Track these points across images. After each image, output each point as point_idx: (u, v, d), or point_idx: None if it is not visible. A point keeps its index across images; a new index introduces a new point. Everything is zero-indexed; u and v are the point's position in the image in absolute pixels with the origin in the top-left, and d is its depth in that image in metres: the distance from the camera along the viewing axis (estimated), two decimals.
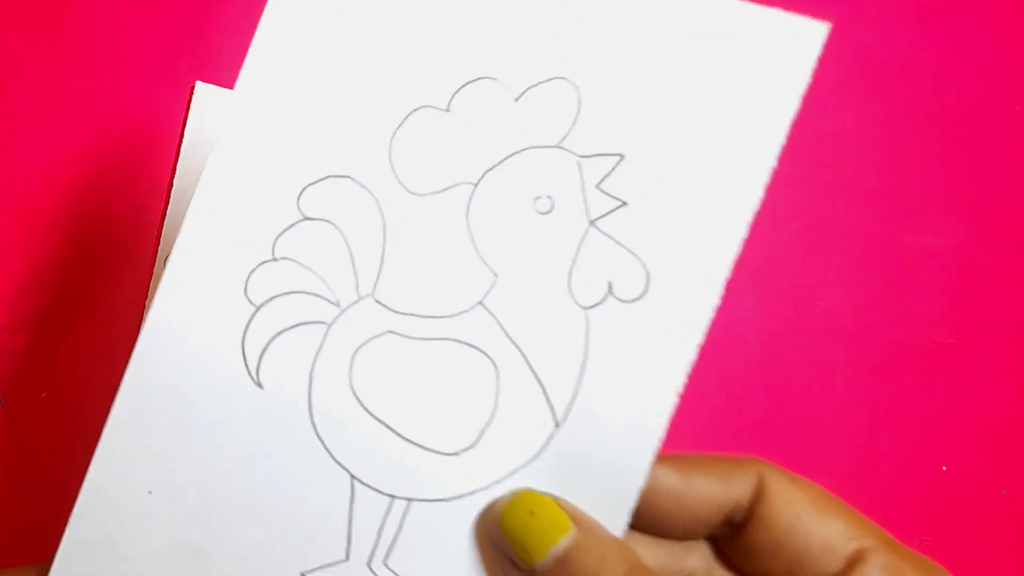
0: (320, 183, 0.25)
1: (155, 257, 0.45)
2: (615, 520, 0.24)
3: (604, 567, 0.23)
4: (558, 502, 0.24)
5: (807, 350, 0.47)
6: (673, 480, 0.25)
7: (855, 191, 0.48)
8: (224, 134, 0.25)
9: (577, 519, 0.24)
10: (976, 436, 0.48)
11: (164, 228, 0.45)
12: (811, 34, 0.24)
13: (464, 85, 0.24)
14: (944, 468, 0.48)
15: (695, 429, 0.45)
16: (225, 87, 0.46)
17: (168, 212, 0.45)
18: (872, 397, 0.48)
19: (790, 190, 0.48)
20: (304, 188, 0.25)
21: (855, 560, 0.24)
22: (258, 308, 0.25)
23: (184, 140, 0.45)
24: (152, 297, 0.41)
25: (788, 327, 0.47)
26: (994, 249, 0.49)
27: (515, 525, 0.24)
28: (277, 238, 0.25)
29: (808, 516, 0.24)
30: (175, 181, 0.45)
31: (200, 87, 0.46)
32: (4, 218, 0.46)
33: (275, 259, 0.25)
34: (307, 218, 0.25)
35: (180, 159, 0.45)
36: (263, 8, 0.44)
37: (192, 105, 0.46)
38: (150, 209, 0.45)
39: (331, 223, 0.25)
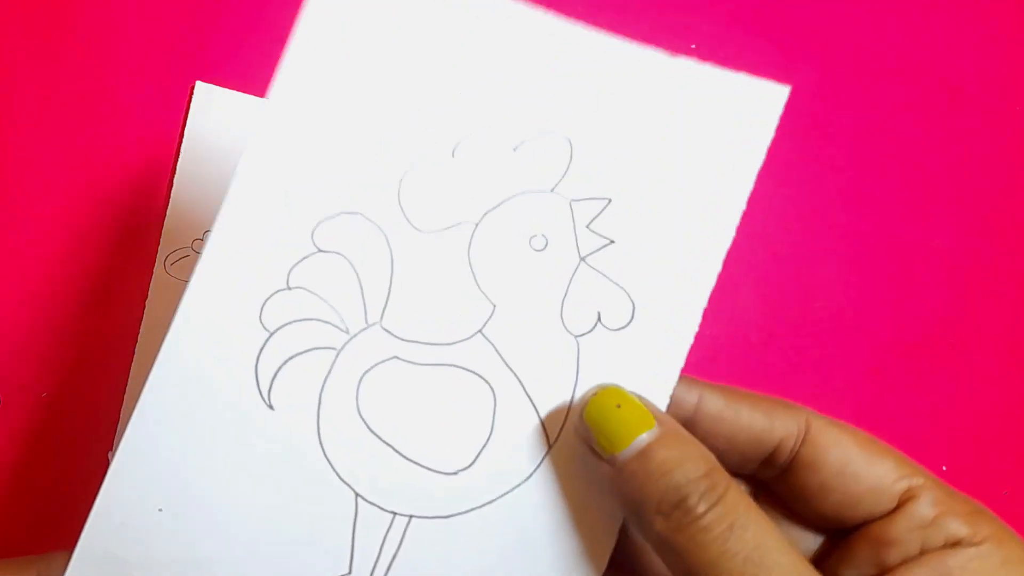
0: (333, 219, 0.27)
1: (155, 257, 0.45)
2: (604, 538, 0.26)
3: (685, 464, 0.23)
4: (643, 402, 0.25)
5: (807, 350, 0.47)
6: (719, 405, 0.27)
7: (855, 191, 0.48)
8: (241, 170, 0.27)
9: (661, 419, 0.25)
10: (976, 436, 0.48)
11: (164, 228, 0.45)
12: (774, 95, 0.27)
13: (468, 135, 0.27)
14: (944, 468, 0.47)
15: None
16: (225, 87, 0.46)
17: (168, 212, 0.45)
18: (872, 397, 0.47)
19: (790, 190, 0.48)
20: (318, 223, 0.27)
21: (906, 499, 0.25)
22: (272, 334, 0.27)
23: (184, 140, 0.45)
24: (149, 296, 0.44)
25: (788, 327, 0.47)
26: (994, 249, 0.49)
27: (601, 416, 0.25)
28: (292, 268, 0.27)
29: (858, 459, 0.25)
30: (175, 181, 0.45)
31: (200, 87, 0.46)
32: (4, 218, 0.45)
33: (289, 288, 0.27)
34: (320, 251, 0.27)
35: (180, 159, 0.45)
36: (263, 8, 0.46)
37: (192, 105, 0.46)
38: (150, 209, 0.45)
39: (343, 256, 0.27)
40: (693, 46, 0.48)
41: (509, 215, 0.27)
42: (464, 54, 0.27)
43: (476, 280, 0.27)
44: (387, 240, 0.27)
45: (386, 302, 0.27)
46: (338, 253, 0.27)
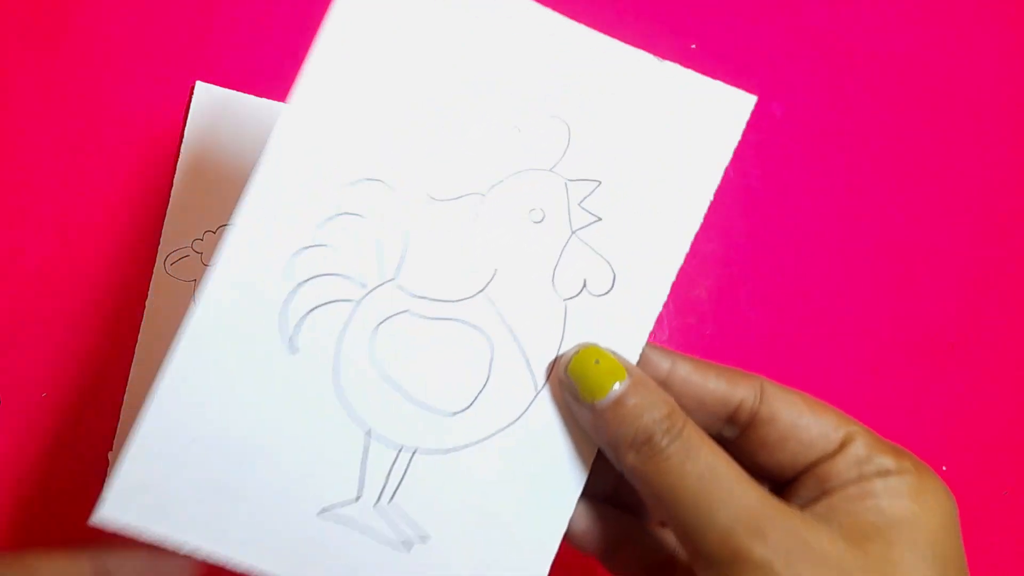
0: (357, 184, 0.30)
1: (155, 257, 0.45)
2: (581, 469, 0.31)
3: (651, 408, 0.28)
4: (617, 357, 0.30)
5: (807, 350, 0.47)
6: (688, 370, 0.31)
7: (855, 191, 0.48)
8: (275, 138, 0.29)
9: (631, 371, 0.29)
10: (976, 436, 0.48)
11: (164, 228, 0.45)
12: (743, 102, 0.31)
13: (481, 115, 0.30)
14: (944, 468, 0.47)
15: None
16: (225, 87, 0.46)
17: (168, 212, 0.45)
18: (872, 397, 0.47)
19: (790, 191, 0.48)
20: (344, 187, 0.29)
21: (846, 442, 0.30)
22: (298, 285, 0.29)
23: (184, 140, 0.45)
24: (149, 296, 0.44)
25: (788, 327, 0.47)
26: (994, 249, 0.49)
27: (582, 370, 0.29)
28: (318, 227, 0.29)
29: (806, 414, 0.31)
30: (175, 181, 0.45)
31: (200, 87, 0.46)
32: (4, 218, 0.45)
33: (314, 245, 0.29)
34: (344, 212, 0.29)
35: (180, 159, 0.45)
36: (263, 8, 0.46)
37: (192, 105, 0.46)
38: (150, 209, 0.46)
39: (364, 218, 0.30)
40: (693, 46, 0.48)
41: (512, 189, 0.31)
42: (478, 46, 0.30)
43: (481, 246, 0.30)
44: (404, 205, 0.30)
45: (400, 261, 0.30)
46: (360, 215, 0.30)
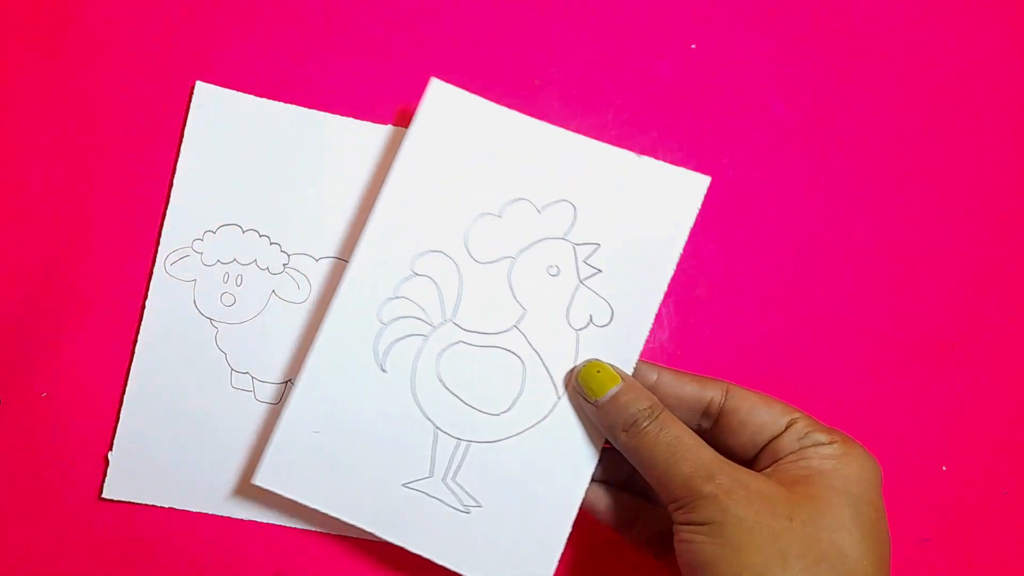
0: (424, 254, 0.43)
1: (155, 257, 0.45)
2: (593, 453, 0.42)
3: (637, 402, 0.39)
4: (614, 368, 0.41)
5: (807, 350, 0.47)
6: (671, 379, 0.42)
7: (855, 191, 0.48)
8: (372, 222, 0.42)
9: (623, 377, 0.41)
10: (976, 436, 0.48)
11: (164, 228, 0.45)
12: (700, 183, 0.43)
13: (511, 201, 0.43)
14: (944, 468, 0.47)
15: None
16: (225, 87, 0.46)
17: (168, 212, 0.45)
18: (872, 397, 0.47)
19: (790, 190, 0.48)
20: (415, 257, 0.42)
21: (790, 424, 0.39)
22: (386, 325, 0.42)
23: (184, 140, 0.45)
24: (149, 296, 0.46)
25: (788, 327, 0.47)
26: (994, 249, 0.48)
27: (588, 377, 0.41)
28: (399, 285, 0.42)
29: (760, 405, 0.40)
30: (175, 181, 0.45)
31: (200, 87, 0.46)
32: (4, 218, 0.45)
33: (397, 297, 0.42)
34: (416, 274, 0.42)
35: (180, 159, 0.45)
36: (263, 8, 0.47)
37: (192, 105, 0.46)
38: (150, 209, 0.46)
39: (429, 277, 0.42)
40: (693, 46, 0.48)
41: (535, 253, 0.43)
42: (510, 154, 0.43)
43: (514, 294, 0.43)
44: (457, 267, 0.43)
45: (456, 307, 0.42)
46: (427, 276, 0.43)
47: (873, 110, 0.49)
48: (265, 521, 0.45)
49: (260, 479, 0.42)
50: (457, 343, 0.42)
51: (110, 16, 0.47)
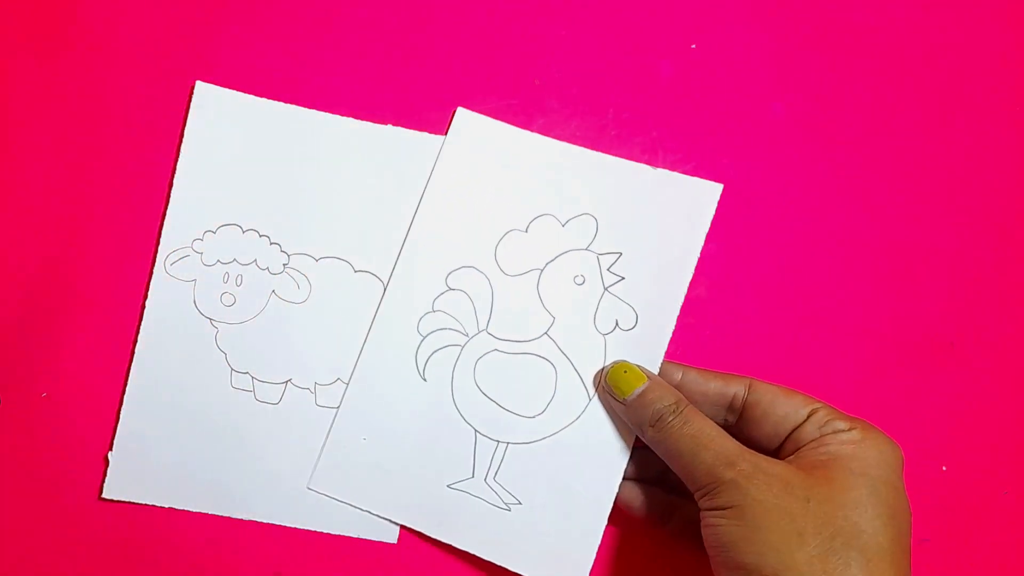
0: (458, 270, 0.46)
1: (155, 257, 0.45)
2: (624, 450, 0.44)
3: (662, 399, 0.42)
4: (640, 368, 0.44)
5: (807, 350, 0.48)
6: (695, 376, 0.44)
7: (855, 191, 0.48)
8: (408, 243, 0.46)
9: (649, 376, 0.43)
10: (976, 436, 0.48)
11: (164, 228, 0.45)
12: (711, 190, 0.45)
13: (536, 217, 0.46)
14: (944, 468, 0.48)
15: None
16: (225, 87, 0.46)
17: (168, 212, 0.45)
18: (872, 397, 0.48)
19: (790, 190, 0.48)
20: (449, 272, 0.46)
21: (811, 414, 0.42)
22: (424, 337, 0.45)
23: (184, 140, 0.46)
24: (149, 296, 0.46)
25: (789, 327, 0.48)
26: (994, 249, 0.49)
27: (616, 377, 0.44)
28: (435, 299, 0.45)
29: (781, 397, 0.42)
30: (175, 181, 0.46)
31: (200, 87, 0.46)
32: (4, 218, 0.46)
33: (433, 311, 0.45)
34: (451, 288, 0.46)
35: (180, 159, 0.46)
36: (263, 8, 0.47)
37: (192, 105, 0.46)
38: (150, 209, 0.46)
39: (463, 291, 0.46)
40: (693, 46, 0.48)
41: (561, 264, 0.46)
42: (533, 173, 0.46)
43: (543, 303, 0.45)
44: (488, 281, 0.46)
45: (489, 317, 0.45)
46: (461, 290, 0.46)
47: (873, 110, 0.49)
48: (265, 521, 0.46)
49: (315, 483, 0.45)
50: (492, 351, 0.45)
51: (110, 16, 0.47)
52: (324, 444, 0.45)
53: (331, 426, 0.45)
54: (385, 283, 0.46)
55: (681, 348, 0.46)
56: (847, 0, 0.49)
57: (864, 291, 0.48)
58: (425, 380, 0.45)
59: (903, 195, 0.49)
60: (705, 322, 0.48)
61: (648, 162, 0.46)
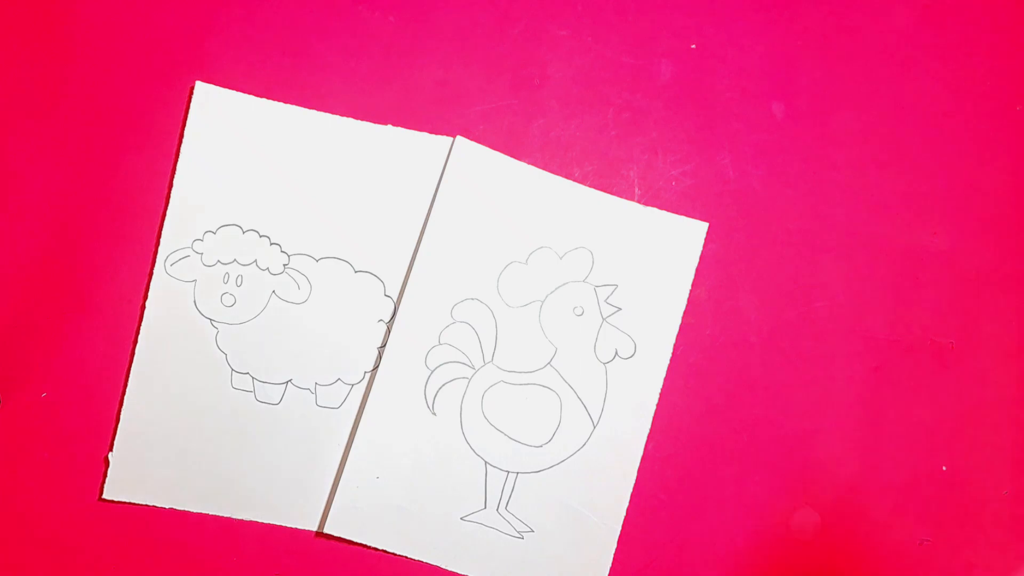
0: (462, 302, 0.46)
1: (155, 257, 0.45)
2: (630, 475, 0.46)
3: None
4: None
5: (807, 350, 0.48)
6: None
7: (856, 191, 0.48)
8: (412, 280, 0.46)
9: None
10: (976, 436, 0.48)
11: (164, 228, 0.45)
12: (697, 229, 0.48)
13: (535, 250, 0.47)
14: (944, 468, 0.48)
15: (698, 426, 0.47)
16: (225, 87, 0.46)
17: (168, 212, 0.45)
18: (872, 397, 0.48)
19: (790, 190, 0.48)
20: (454, 305, 0.46)
21: None
22: (432, 371, 0.46)
23: (184, 140, 0.45)
24: (150, 296, 0.45)
25: (788, 327, 0.48)
26: (994, 249, 0.49)
27: None
28: (441, 332, 0.46)
29: None
30: (175, 181, 0.45)
31: (200, 87, 0.46)
32: (4, 218, 0.45)
33: (440, 344, 0.46)
34: (456, 321, 0.46)
35: (180, 159, 0.45)
36: (263, 8, 0.47)
37: (192, 105, 0.46)
38: (150, 209, 0.46)
39: (468, 324, 0.46)
40: (693, 46, 0.49)
41: (561, 295, 0.47)
42: (530, 206, 0.47)
43: (544, 333, 0.47)
44: (492, 312, 0.46)
45: (494, 349, 0.46)
46: (466, 322, 0.46)
47: (872, 111, 0.49)
48: (265, 521, 0.45)
49: (330, 527, 0.44)
50: (498, 383, 0.46)
51: (110, 16, 0.47)
52: (337, 486, 0.44)
53: (343, 466, 0.45)
54: (392, 313, 0.46)
55: (680, 348, 0.48)
56: (847, 0, 0.50)
57: (864, 291, 0.48)
58: (435, 414, 0.45)
59: (903, 195, 0.49)
60: (704, 322, 0.48)
61: (648, 163, 0.48)
